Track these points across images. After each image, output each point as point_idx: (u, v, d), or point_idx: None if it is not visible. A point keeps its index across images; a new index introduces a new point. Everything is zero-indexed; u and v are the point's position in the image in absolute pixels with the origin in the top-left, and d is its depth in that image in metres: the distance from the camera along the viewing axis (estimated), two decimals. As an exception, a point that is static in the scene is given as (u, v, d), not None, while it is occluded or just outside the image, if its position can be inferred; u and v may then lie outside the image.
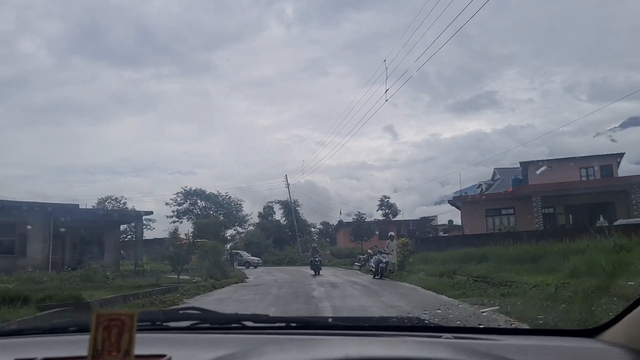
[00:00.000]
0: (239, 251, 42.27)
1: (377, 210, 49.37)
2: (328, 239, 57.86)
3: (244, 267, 35.67)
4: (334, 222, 59.36)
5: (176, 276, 20.05)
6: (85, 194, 71.43)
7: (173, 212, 58.09)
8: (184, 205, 58.47)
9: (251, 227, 56.82)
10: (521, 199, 29.21)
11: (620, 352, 1.27)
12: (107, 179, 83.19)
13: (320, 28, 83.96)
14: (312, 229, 60.11)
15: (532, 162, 33.25)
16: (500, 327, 1.76)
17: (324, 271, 26.86)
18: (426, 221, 46.66)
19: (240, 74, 72.59)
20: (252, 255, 41.63)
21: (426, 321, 1.73)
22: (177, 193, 58.31)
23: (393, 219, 46.34)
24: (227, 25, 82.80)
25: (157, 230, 50.39)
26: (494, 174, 41.19)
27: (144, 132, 75.38)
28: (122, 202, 54.03)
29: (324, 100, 79.17)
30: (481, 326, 1.96)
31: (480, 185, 42.15)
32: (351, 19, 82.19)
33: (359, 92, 74.29)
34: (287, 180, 52.69)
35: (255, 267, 37.36)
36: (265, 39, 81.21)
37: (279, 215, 58.84)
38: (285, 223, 57.50)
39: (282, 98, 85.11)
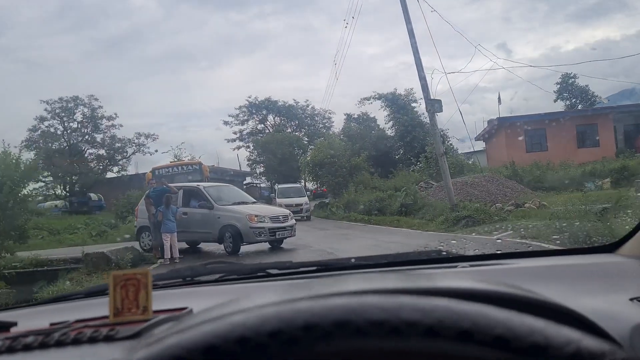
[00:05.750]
0: (254, 182, 20.58)
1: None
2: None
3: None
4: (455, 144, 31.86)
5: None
6: (202, 138, 72.79)
7: (235, 133, 42.49)
8: (249, 123, 43.13)
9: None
10: None
11: (637, 264, 1.27)
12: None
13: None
14: (449, 140, 28.59)
15: None
16: (518, 251, 1.77)
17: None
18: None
19: (343, 3, 69.63)
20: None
21: (444, 252, 1.74)
22: (240, 107, 42.24)
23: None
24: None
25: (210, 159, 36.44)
26: None
27: (254, 73, 75.66)
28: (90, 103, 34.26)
29: (431, 22, 74.83)
30: (498, 252, 1.98)
31: None
32: None
33: (468, 10, 68.82)
34: None
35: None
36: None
37: (380, 119, 34.25)
38: (393, 132, 31.95)
39: (388, 24, 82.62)
